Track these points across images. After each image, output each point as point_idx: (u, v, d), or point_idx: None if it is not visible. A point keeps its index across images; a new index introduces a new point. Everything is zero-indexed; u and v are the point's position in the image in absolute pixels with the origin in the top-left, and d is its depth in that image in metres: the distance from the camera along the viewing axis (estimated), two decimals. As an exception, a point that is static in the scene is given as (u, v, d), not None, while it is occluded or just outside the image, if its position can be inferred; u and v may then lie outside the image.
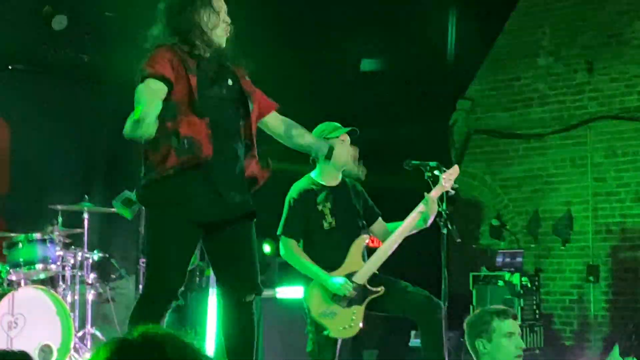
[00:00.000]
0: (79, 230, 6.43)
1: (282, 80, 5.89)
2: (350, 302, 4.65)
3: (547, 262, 8.66)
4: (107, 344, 1.59)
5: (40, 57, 6.84)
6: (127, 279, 7.08)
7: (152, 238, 3.72)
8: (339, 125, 4.78)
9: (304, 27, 7.45)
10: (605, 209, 8.41)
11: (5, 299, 5.70)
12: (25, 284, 5.98)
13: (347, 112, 4.28)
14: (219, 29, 3.71)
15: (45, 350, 5.78)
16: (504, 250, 8.15)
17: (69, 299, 6.27)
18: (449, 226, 4.49)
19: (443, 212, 4.52)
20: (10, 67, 6.86)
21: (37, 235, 6.01)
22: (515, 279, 7.68)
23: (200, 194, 3.58)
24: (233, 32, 3.77)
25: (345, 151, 4.40)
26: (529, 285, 7.76)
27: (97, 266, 6.66)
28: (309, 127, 4.31)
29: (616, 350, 4.28)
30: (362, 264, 4.71)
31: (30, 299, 5.86)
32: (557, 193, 8.68)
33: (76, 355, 6.06)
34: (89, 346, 6.27)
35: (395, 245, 4.74)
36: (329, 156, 4.13)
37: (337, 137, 4.67)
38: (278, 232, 4.80)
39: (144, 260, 6.36)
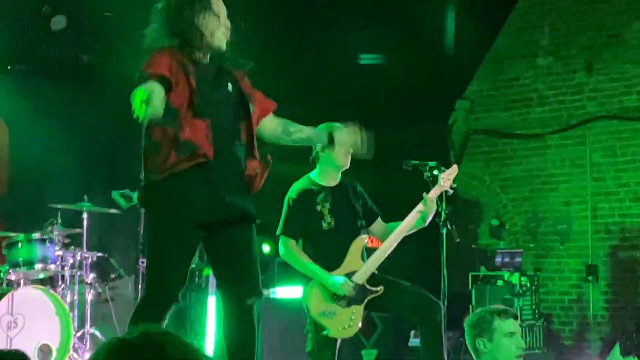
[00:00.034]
0: (78, 230, 6.43)
1: (281, 81, 5.89)
2: (350, 302, 4.65)
3: (546, 262, 8.67)
4: (107, 344, 1.59)
5: (40, 57, 6.83)
6: (126, 278, 7.09)
7: (152, 240, 3.70)
8: (338, 125, 4.76)
9: (302, 28, 7.45)
10: (605, 208, 8.41)
11: (5, 299, 5.69)
12: (25, 283, 5.98)
13: (345, 113, 4.24)
14: (219, 32, 3.67)
15: (45, 350, 5.78)
16: (503, 250, 8.14)
17: (68, 298, 6.26)
18: (448, 226, 4.49)
19: (442, 212, 4.52)
20: (10, 67, 6.85)
21: (36, 235, 6.00)
22: (515, 278, 7.67)
23: (200, 195, 3.57)
24: (232, 33, 3.75)
25: (347, 134, 4.07)
26: (528, 285, 7.75)
27: (96, 266, 6.66)
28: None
29: (617, 349, 4.28)
30: (361, 264, 4.70)
31: (30, 299, 5.86)
32: (556, 193, 8.68)
33: (75, 355, 6.06)
34: (88, 346, 6.27)
35: (395, 245, 4.74)
36: (331, 142, 4.03)
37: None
38: (277, 232, 4.80)
39: (143, 260, 6.36)
